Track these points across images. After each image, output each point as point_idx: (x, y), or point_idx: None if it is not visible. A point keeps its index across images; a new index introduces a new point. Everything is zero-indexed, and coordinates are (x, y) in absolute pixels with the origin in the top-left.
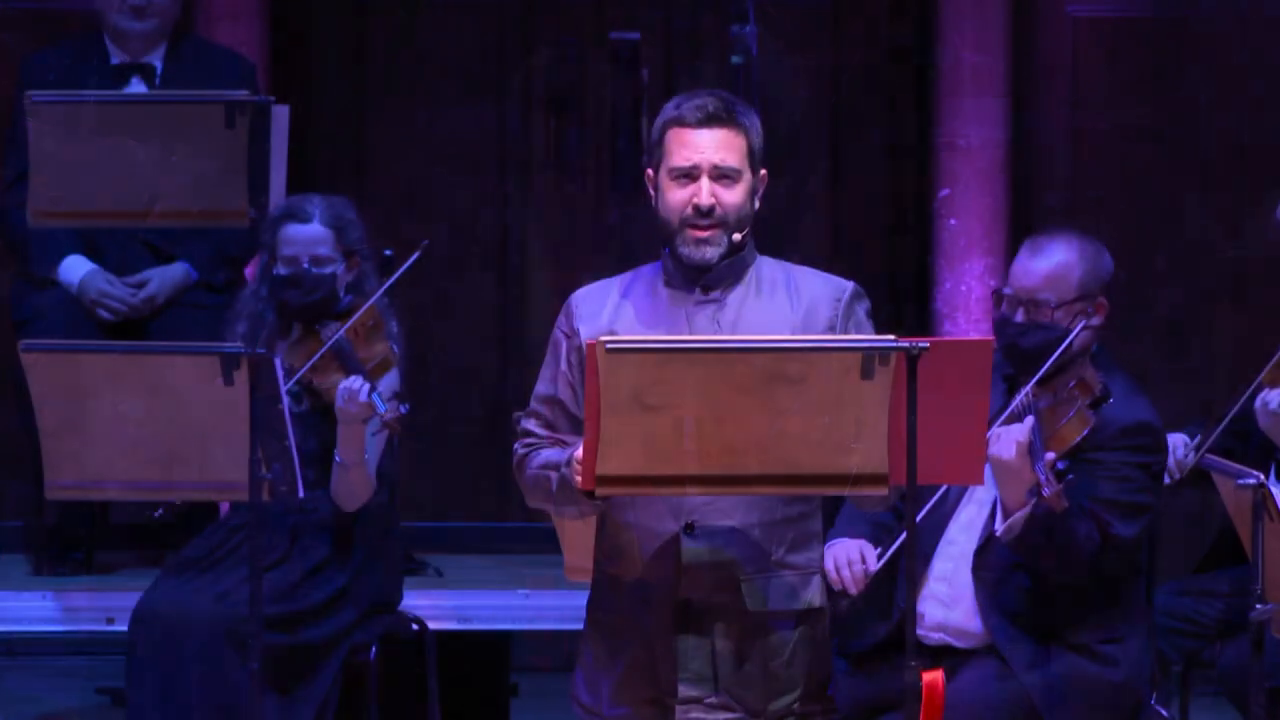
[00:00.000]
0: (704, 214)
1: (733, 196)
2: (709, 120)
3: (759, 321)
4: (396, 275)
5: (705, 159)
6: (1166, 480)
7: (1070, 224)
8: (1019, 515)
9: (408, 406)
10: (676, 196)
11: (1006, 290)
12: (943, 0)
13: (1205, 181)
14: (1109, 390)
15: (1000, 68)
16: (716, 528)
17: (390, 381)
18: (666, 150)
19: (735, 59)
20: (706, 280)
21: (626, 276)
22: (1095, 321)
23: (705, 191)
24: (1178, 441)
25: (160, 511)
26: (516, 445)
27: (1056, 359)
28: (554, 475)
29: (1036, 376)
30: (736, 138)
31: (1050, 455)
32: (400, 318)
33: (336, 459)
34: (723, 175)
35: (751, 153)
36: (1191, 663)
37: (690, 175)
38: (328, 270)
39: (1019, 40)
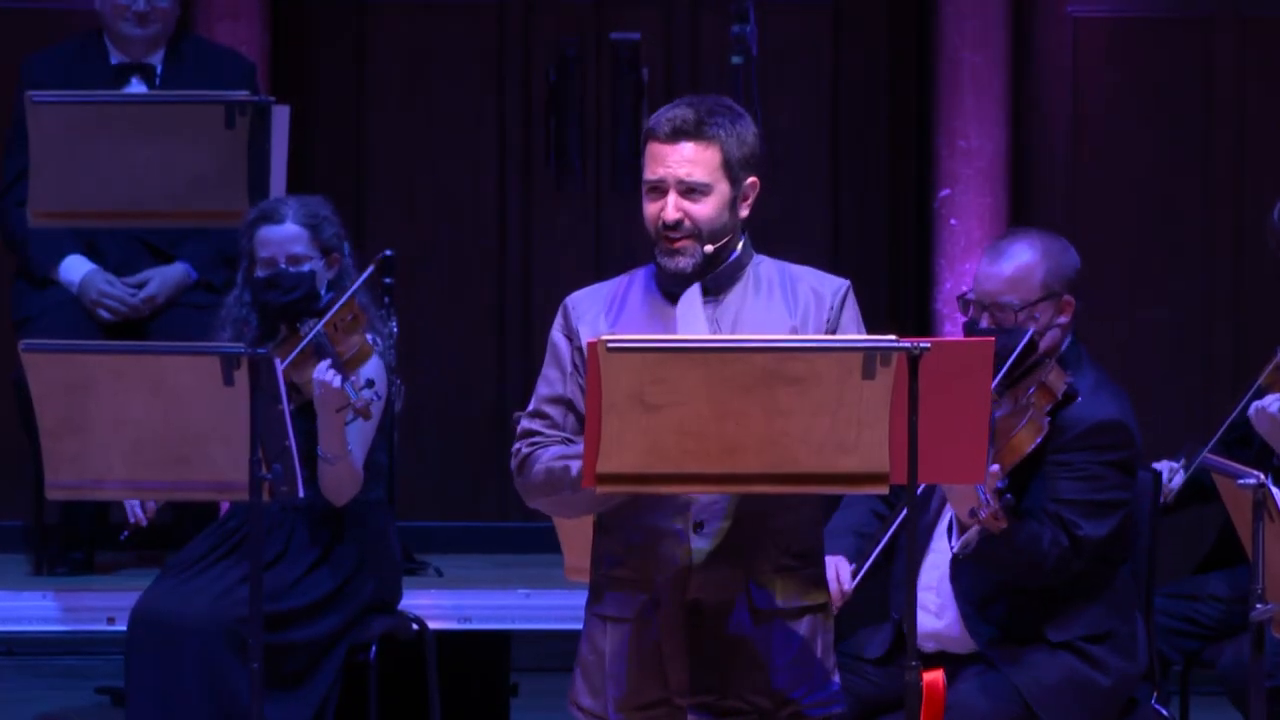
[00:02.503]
0: (671, 228)
1: (702, 210)
2: (676, 134)
3: (757, 321)
4: (364, 275)
5: (670, 174)
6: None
7: (1036, 224)
8: (972, 531)
9: (376, 393)
10: (648, 209)
11: (970, 295)
12: (943, 0)
13: (1205, 182)
14: (1075, 391)
15: (1000, 68)
16: (723, 527)
17: (368, 370)
18: (645, 163)
19: (735, 59)
20: (705, 282)
21: (621, 280)
22: (1061, 320)
23: (671, 206)
24: (1164, 468)
25: (126, 534)
26: (519, 445)
27: (1018, 364)
28: (575, 464)
29: (993, 383)
30: (705, 151)
31: (994, 468)
32: (400, 317)
33: (320, 453)
34: (689, 190)
35: (727, 164)
36: (1192, 662)
37: (659, 189)
38: (305, 268)
39: (1019, 40)
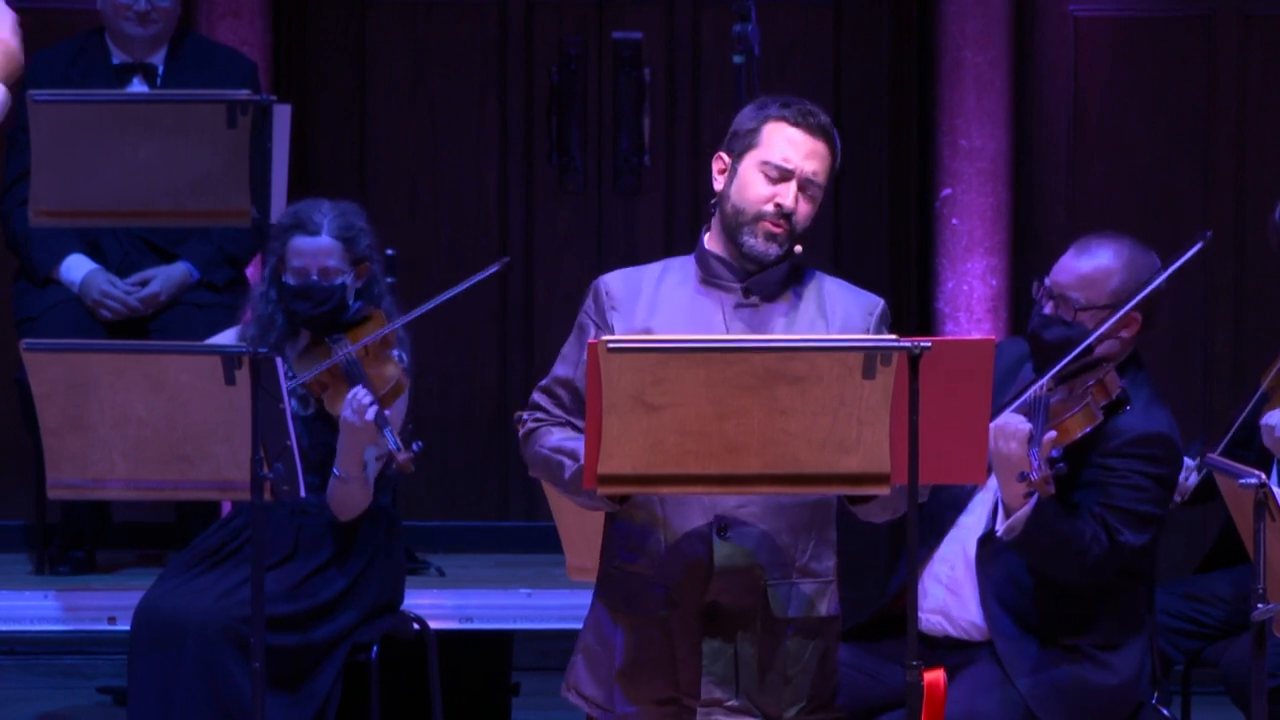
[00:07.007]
0: (784, 215)
1: (808, 209)
2: (818, 130)
3: (796, 333)
4: (406, 318)
5: (804, 165)
6: (1177, 499)
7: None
8: (1020, 514)
9: (421, 444)
10: (759, 189)
11: (1046, 281)
12: (944, 0)
13: (1206, 181)
14: (1128, 396)
15: (1002, 67)
16: (747, 531)
17: (401, 408)
18: (765, 142)
19: (737, 58)
20: (749, 284)
21: (656, 268)
22: (1124, 334)
23: (792, 195)
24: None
25: None
26: (525, 415)
27: (1076, 359)
28: (569, 463)
29: (1052, 371)
30: (830, 157)
31: (1050, 435)
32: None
33: (335, 472)
34: (809, 187)
35: (831, 176)
36: (1193, 662)
37: (784, 175)
38: (337, 281)
39: (1021, 39)
